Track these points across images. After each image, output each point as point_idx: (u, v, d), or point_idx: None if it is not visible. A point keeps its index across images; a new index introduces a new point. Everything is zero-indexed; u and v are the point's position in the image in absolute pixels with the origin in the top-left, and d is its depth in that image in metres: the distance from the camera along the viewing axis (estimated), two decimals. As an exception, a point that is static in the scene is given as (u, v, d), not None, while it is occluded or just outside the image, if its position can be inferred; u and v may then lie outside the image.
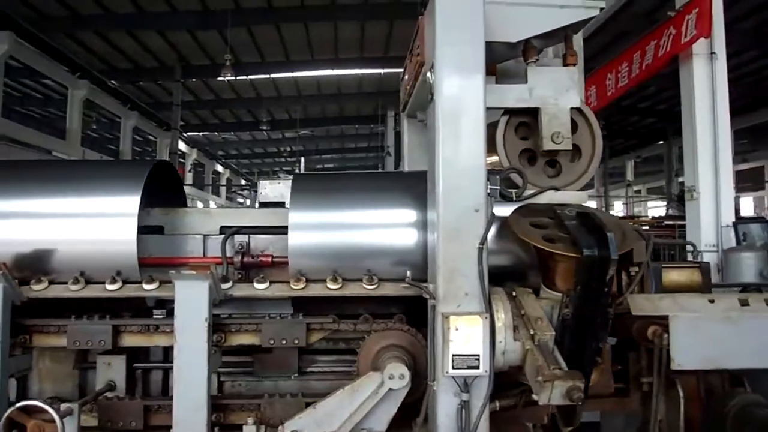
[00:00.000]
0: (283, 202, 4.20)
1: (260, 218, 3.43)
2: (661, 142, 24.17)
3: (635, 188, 31.63)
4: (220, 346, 2.98)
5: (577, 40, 3.31)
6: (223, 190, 34.04)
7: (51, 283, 2.96)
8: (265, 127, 25.93)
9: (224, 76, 16.98)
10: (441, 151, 2.65)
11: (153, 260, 3.11)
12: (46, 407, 2.49)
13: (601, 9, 2.97)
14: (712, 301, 3.14)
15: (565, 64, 3.13)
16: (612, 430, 3.80)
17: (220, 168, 33.55)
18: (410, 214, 3.10)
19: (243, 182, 36.63)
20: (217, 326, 2.95)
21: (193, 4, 16.37)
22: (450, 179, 2.64)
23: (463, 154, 2.65)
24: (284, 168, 37.64)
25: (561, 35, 3.14)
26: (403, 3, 16.79)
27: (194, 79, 22.66)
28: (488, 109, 2.73)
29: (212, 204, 30.44)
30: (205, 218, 3.38)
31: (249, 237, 3.35)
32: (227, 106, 26.57)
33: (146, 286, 2.93)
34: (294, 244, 2.99)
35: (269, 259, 3.24)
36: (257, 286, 2.96)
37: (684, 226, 11.36)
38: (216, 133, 30.75)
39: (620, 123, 23.43)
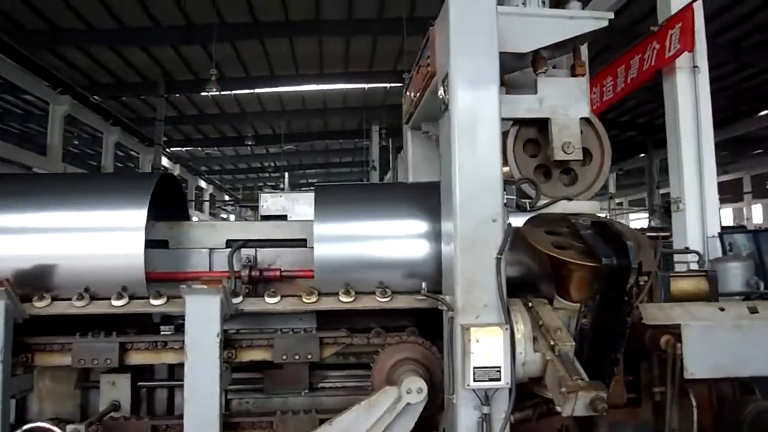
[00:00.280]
0: (285, 215, 4.17)
1: (266, 231, 3.37)
2: (642, 154, 24.55)
3: (617, 201, 32.05)
4: (230, 362, 2.90)
5: (583, 51, 3.34)
6: (206, 205, 33.72)
7: (54, 299, 2.87)
8: (250, 142, 25.78)
9: (209, 91, 16.86)
10: (457, 161, 2.63)
11: (159, 275, 3.03)
12: (55, 429, 2.39)
13: (610, 20, 2.99)
14: (722, 309, 3.15)
15: (574, 75, 3.16)
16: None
17: (203, 184, 33.25)
18: (422, 225, 3.07)
19: (227, 198, 36.33)
20: (227, 342, 2.88)
21: (176, 19, 16.29)
22: (467, 190, 2.62)
23: (480, 164, 2.64)
24: (268, 183, 37.47)
25: (569, 46, 3.16)
26: (388, 19, 16.94)
27: (178, 95, 22.53)
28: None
29: (194, 220, 30.08)
30: (210, 232, 3.32)
31: (256, 250, 3.29)
32: (211, 122, 26.41)
33: (154, 302, 2.85)
34: (321, 256, 2.95)
35: (278, 273, 3.18)
36: (268, 300, 2.90)
37: (666, 237, 11.49)
38: (199, 148, 30.49)
39: (602, 136, 23.70)
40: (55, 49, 17.23)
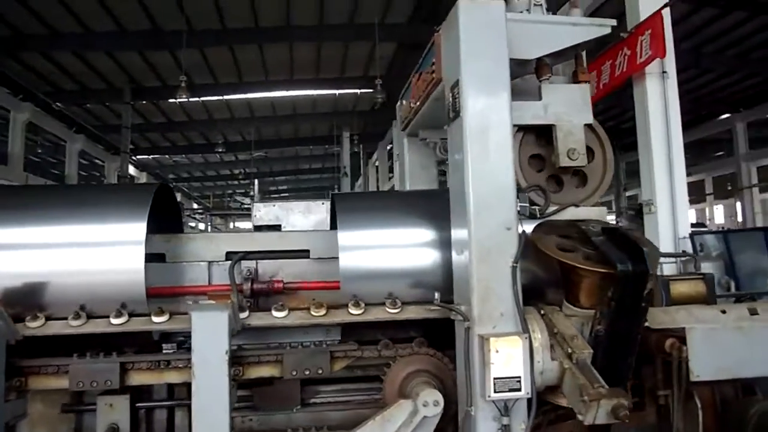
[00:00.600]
0: (279, 225, 4.09)
1: (267, 243, 3.27)
2: (609, 158, 24.98)
3: (584, 203, 32.56)
4: (237, 379, 2.80)
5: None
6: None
7: (48, 318, 2.72)
8: (220, 150, 25.40)
9: (179, 98, 16.52)
10: (470, 168, 2.60)
11: (159, 290, 2.91)
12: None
13: (613, 27, 3.01)
14: (723, 312, 3.20)
15: (576, 81, 3.17)
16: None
17: (170, 192, 32.59)
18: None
19: (195, 206, 35.72)
20: (234, 359, 2.77)
21: (143, 24, 15.93)
22: (480, 197, 2.60)
23: (493, 171, 2.61)
24: (237, 191, 37.00)
25: (571, 53, 3.17)
26: (359, 24, 16.91)
27: (144, 101, 22.06)
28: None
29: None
30: (209, 244, 3.21)
31: (257, 263, 3.20)
32: (179, 129, 25.95)
33: (156, 319, 2.73)
34: (347, 267, 2.89)
35: (281, 285, 3.09)
36: (276, 314, 2.81)
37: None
38: (167, 156, 29.93)
39: (569, 140, 24.14)
40: (17, 55, 16.66)
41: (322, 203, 4.21)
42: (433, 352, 2.90)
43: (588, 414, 2.37)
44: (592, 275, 2.71)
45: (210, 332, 2.55)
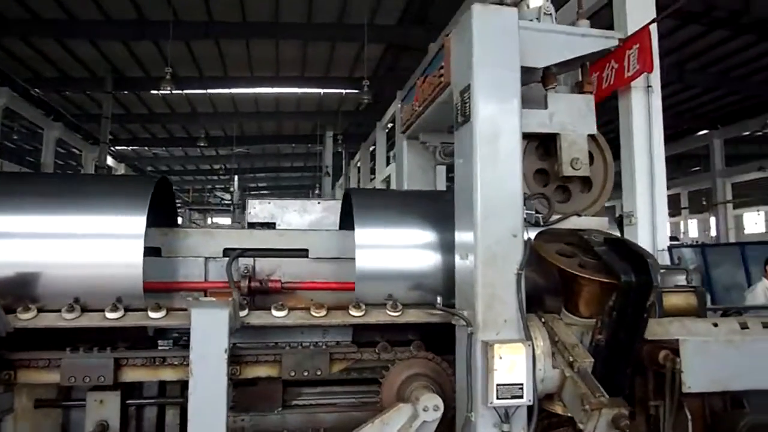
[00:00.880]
0: (274, 223, 4.04)
1: (266, 240, 3.23)
2: (588, 168, 25.30)
3: (562, 212, 32.93)
4: (233, 379, 2.75)
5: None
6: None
7: (40, 310, 2.64)
8: (202, 144, 25.07)
9: (163, 90, 16.25)
10: (479, 175, 2.60)
11: (156, 285, 2.85)
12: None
13: (620, 40, 3.04)
14: (715, 325, 3.24)
15: (581, 92, 3.19)
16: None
17: (148, 185, 32.09)
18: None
19: (173, 200, 35.13)
20: (231, 357, 2.72)
21: (128, 13, 15.65)
22: (488, 203, 2.59)
23: (501, 177, 2.62)
24: (217, 186, 36.58)
25: (577, 64, 3.20)
26: (347, 25, 16.86)
27: (126, 92, 21.69)
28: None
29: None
30: (207, 239, 3.15)
31: (254, 260, 3.15)
32: (160, 121, 25.58)
33: (153, 315, 2.67)
34: (363, 268, 2.88)
35: (278, 284, 3.05)
36: (276, 313, 2.77)
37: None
38: (146, 148, 29.46)
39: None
40: (-3, 39, 16.31)
41: (318, 202, 4.16)
42: (431, 356, 2.89)
43: (589, 423, 2.38)
44: (595, 285, 2.73)
45: (210, 330, 2.50)
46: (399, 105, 4.19)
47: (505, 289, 2.56)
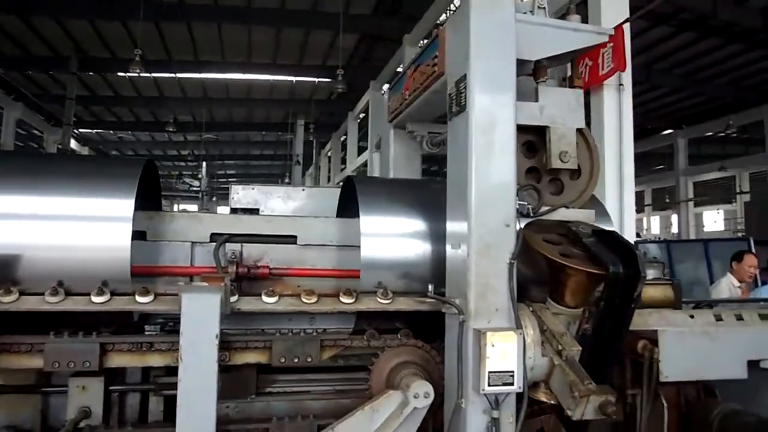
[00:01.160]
0: (257, 209, 4.00)
1: (254, 226, 3.19)
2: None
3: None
4: (222, 365, 2.71)
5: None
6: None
7: (22, 294, 2.56)
8: (171, 129, 24.57)
9: (132, 72, 15.85)
10: (474, 165, 2.61)
11: (143, 269, 2.79)
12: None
13: (610, 36, 3.09)
14: (692, 317, 3.36)
15: (571, 86, 3.24)
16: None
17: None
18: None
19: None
20: (220, 344, 2.69)
21: (97, -9, 15.25)
22: (482, 194, 2.61)
23: (496, 169, 2.64)
24: (184, 172, 35.94)
25: (567, 58, 3.24)
26: (322, 12, 16.72)
27: (91, 73, 21.08)
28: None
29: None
30: (194, 224, 3.09)
31: (242, 246, 3.11)
32: (126, 104, 24.96)
33: (140, 299, 2.61)
34: (368, 256, 2.89)
35: (267, 271, 3.03)
36: (266, 299, 2.74)
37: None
38: (111, 131, 28.72)
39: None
40: (-46, 13, 15.63)
41: (303, 189, 4.14)
42: (421, 344, 2.91)
43: (577, 409, 2.44)
44: (582, 275, 2.78)
45: (200, 315, 2.46)
46: (387, 94, 4.18)
47: (498, 279, 2.59)
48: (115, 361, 2.66)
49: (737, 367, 3.21)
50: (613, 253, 2.71)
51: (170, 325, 2.92)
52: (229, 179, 39.16)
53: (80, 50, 18.88)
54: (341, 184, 3.89)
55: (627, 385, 3.40)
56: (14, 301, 2.51)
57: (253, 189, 4.05)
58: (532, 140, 3.21)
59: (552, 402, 2.78)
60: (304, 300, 2.79)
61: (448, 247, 2.83)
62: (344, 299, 2.82)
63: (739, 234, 22.27)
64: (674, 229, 26.85)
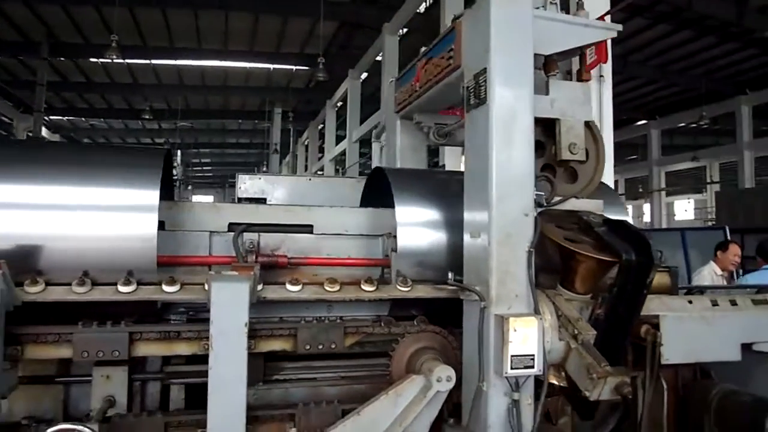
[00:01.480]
0: (264, 198, 4.04)
1: (271, 216, 3.23)
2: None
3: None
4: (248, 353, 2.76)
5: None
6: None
7: (47, 284, 2.56)
8: (147, 116, 24.13)
9: (108, 58, 15.50)
10: (495, 157, 2.69)
11: (169, 259, 2.81)
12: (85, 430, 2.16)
13: (619, 32, 3.20)
14: (690, 302, 3.51)
15: (580, 80, 3.34)
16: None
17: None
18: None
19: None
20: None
21: (69, -25, 14.85)
22: (503, 185, 2.70)
23: (516, 161, 2.72)
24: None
25: (576, 52, 3.33)
26: (299, -1, 16.59)
27: (63, 58, 20.55)
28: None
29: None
30: (213, 214, 3.12)
31: (259, 235, 3.15)
32: (99, 91, 24.40)
33: (167, 288, 2.63)
34: (405, 246, 2.98)
35: (285, 259, 3.08)
36: (290, 288, 2.79)
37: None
38: (83, 118, 28.05)
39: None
40: None
41: (309, 179, 4.20)
42: (438, 330, 3.00)
43: (594, 390, 2.56)
44: (592, 262, 2.89)
45: (230, 304, 2.50)
46: (393, 85, 4.23)
47: (517, 266, 2.69)
48: (143, 350, 2.69)
49: (732, 350, 3.38)
50: (625, 241, 2.83)
51: (190, 314, 2.94)
52: (204, 167, 38.69)
53: (52, 35, 18.39)
54: (339, 172, 3.96)
55: (628, 368, 3.55)
56: (41, 292, 2.51)
57: (259, 179, 4.09)
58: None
59: (561, 384, 2.90)
60: (326, 288, 2.85)
61: (466, 236, 2.91)
62: (366, 287, 2.89)
63: (710, 222, 22.97)
64: (646, 218, 27.50)
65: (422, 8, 15.97)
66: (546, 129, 3.29)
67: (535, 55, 3.08)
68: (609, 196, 3.41)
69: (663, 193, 24.94)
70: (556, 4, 3.16)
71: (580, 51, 3.33)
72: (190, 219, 3.09)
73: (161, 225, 3.02)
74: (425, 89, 3.53)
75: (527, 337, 2.59)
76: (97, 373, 2.77)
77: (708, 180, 26.35)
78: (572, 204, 3.17)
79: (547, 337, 2.72)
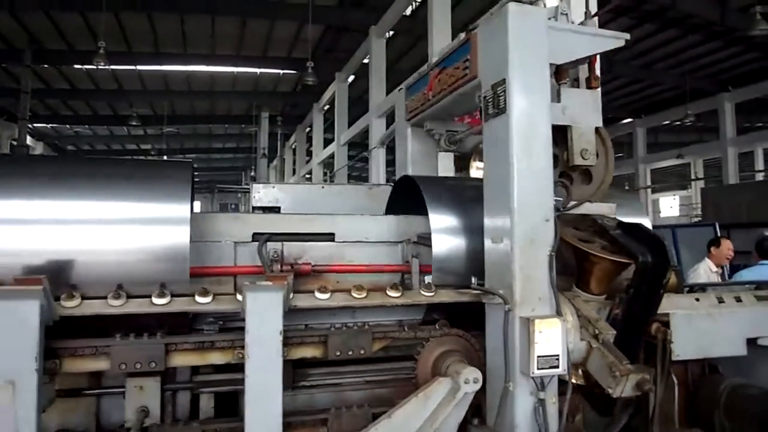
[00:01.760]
0: (279, 207, 4.10)
1: (293, 225, 3.30)
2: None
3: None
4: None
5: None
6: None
7: (83, 298, 2.60)
8: (133, 123, 23.92)
9: (95, 65, 15.38)
10: (516, 165, 2.79)
11: (201, 270, 2.88)
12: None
13: (627, 41, 3.32)
14: (697, 300, 3.64)
15: (589, 87, 3.45)
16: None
17: (68, 165, 30.26)
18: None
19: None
20: (280, 340, 2.80)
21: (51, -18, 14.71)
22: (524, 193, 2.80)
23: (536, 168, 2.82)
24: (145, 167, 34.99)
25: (585, 60, 3.44)
26: (288, 4, 16.57)
27: (46, 65, 20.31)
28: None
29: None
30: (236, 224, 3.18)
31: (282, 244, 3.22)
32: (83, 97, 24.14)
33: (200, 300, 2.69)
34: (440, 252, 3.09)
35: (309, 267, 3.15)
36: (319, 296, 2.86)
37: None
38: (68, 126, 27.73)
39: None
40: None
41: (322, 187, 4.27)
42: (462, 333, 3.08)
43: (617, 387, 2.66)
44: (607, 263, 3.01)
45: (265, 312, 2.56)
46: (403, 93, 4.32)
47: (539, 270, 2.79)
48: (178, 360, 2.74)
49: (738, 345, 3.52)
50: (641, 243, 2.94)
51: (219, 323, 3.00)
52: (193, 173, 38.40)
53: (35, 42, 18.16)
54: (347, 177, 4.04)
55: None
56: (78, 306, 2.56)
57: (273, 188, 4.15)
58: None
59: (579, 382, 3.01)
60: (354, 295, 2.92)
61: (488, 242, 3.00)
62: (391, 293, 2.97)
63: (695, 218, 23.36)
64: (632, 215, 27.85)
65: (409, 11, 16.06)
66: (556, 136, 3.40)
67: (550, 64, 3.21)
68: (632, 203, 3.52)
69: (649, 190, 25.35)
70: (566, 14, 3.26)
71: (589, 59, 3.44)
72: (215, 230, 3.14)
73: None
74: (439, 98, 3.62)
75: (551, 338, 2.68)
76: (130, 384, 2.81)
77: (693, 177, 26.80)
78: (586, 208, 3.28)
79: (570, 338, 2.82)
